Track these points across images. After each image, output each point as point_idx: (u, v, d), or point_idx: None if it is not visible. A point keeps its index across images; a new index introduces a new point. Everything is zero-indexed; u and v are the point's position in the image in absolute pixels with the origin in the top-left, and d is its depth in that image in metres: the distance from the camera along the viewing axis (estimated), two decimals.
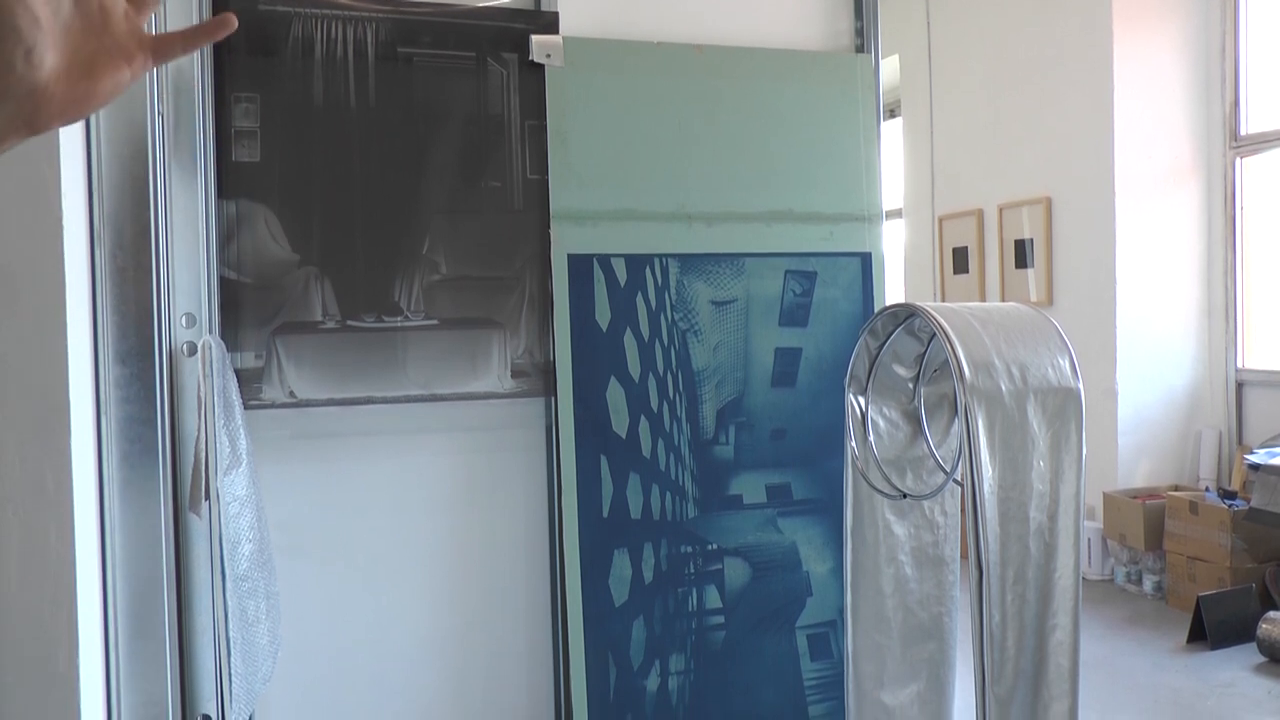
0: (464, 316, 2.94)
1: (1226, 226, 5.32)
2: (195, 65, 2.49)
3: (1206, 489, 4.97)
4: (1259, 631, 3.98)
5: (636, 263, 3.04)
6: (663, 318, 3.05)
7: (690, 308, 3.08)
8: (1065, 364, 2.38)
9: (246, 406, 2.64)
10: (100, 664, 2.23)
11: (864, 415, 2.79)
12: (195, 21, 2.48)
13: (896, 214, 7.12)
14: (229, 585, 2.29)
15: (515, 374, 2.98)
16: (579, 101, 3.01)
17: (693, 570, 3.09)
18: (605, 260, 3.01)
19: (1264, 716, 3.43)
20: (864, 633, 2.81)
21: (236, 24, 0.83)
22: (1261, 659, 3.94)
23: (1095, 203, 5.36)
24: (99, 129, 2.23)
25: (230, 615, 2.28)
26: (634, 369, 3.02)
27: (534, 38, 2.97)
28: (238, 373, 2.65)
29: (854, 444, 2.77)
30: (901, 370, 2.80)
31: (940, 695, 2.85)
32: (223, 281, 2.70)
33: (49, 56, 0.69)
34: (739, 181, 3.15)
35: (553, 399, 2.99)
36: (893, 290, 5.88)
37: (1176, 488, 5.14)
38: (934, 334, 2.60)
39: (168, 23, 2.40)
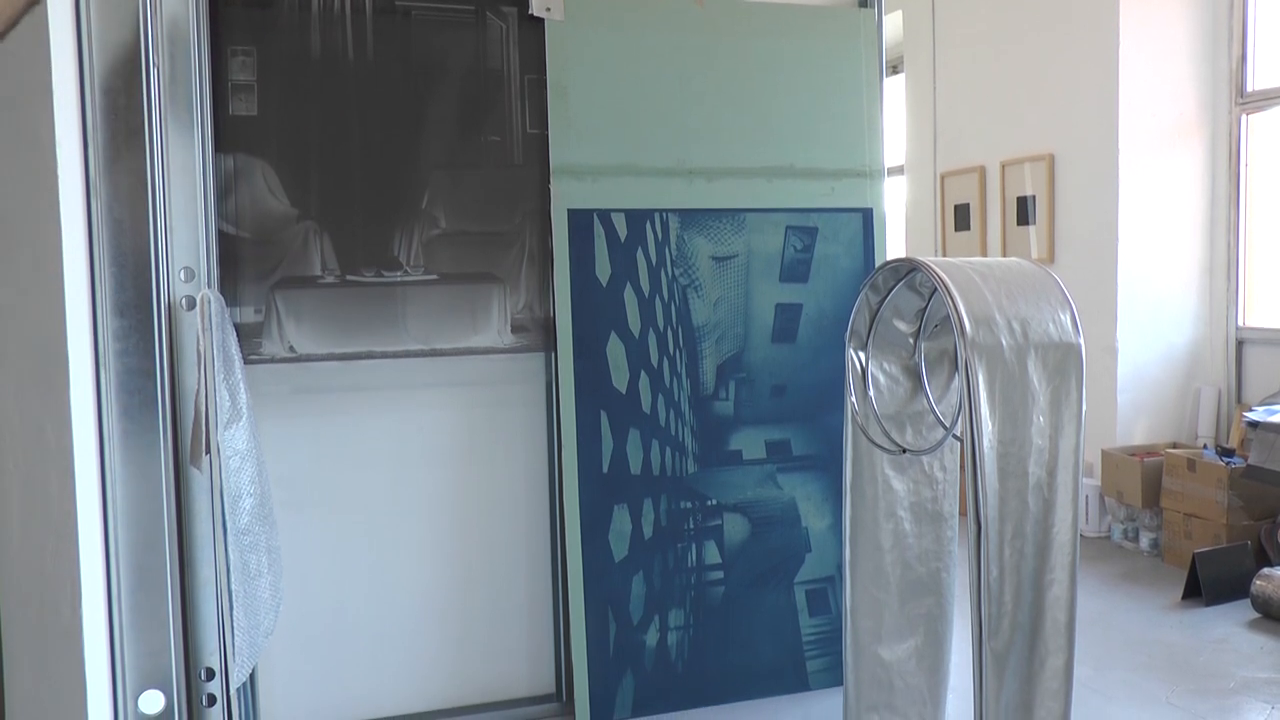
0: (464, 271, 2.93)
1: (1230, 184, 5.28)
2: (191, 17, 2.46)
3: (1205, 446, 4.98)
4: (1253, 588, 4.00)
5: (637, 218, 3.02)
6: (663, 273, 3.04)
7: (691, 263, 3.07)
8: (1066, 319, 2.37)
9: (246, 361, 2.63)
10: (104, 616, 2.25)
11: (864, 370, 2.78)
12: (192, 11, 2.44)
13: (898, 170, 7.07)
14: (230, 539, 2.29)
15: (515, 329, 2.97)
16: (579, 56, 2.98)
17: (692, 526, 3.10)
18: (605, 215, 2.99)
19: (1257, 671, 3.45)
20: (862, 588, 2.83)
21: None
22: (1255, 615, 3.96)
23: (1098, 160, 5.32)
24: (93, 80, 2.20)
25: (232, 569, 2.29)
26: (634, 324, 3.01)
27: None
28: (237, 327, 2.64)
29: (854, 399, 2.77)
30: (902, 325, 2.79)
31: (937, 650, 2.87)
32: (221, 236, 2.68)
33: None
34: (740, 137, 3.13)
35: (553, 354, 2.98)
36: (894, 247, 5.85)
37: (1175, 445, 5.14)
38: (935, 289, 2.59)
39: (164, 13, 2.37)
